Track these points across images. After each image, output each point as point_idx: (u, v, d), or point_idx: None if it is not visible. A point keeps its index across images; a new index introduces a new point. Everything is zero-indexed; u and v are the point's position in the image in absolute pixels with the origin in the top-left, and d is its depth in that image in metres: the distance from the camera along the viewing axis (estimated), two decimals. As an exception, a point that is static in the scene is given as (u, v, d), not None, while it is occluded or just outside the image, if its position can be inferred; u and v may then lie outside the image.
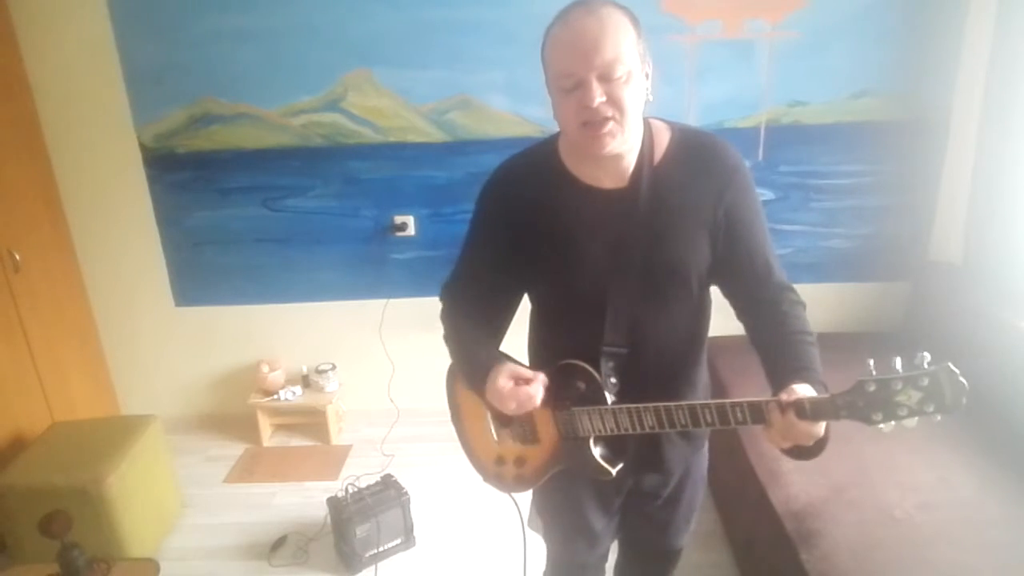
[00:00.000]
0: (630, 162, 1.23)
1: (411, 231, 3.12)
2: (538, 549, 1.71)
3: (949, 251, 2.93)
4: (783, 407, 1.10)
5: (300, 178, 3.08)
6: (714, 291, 1.36)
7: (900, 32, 2.76)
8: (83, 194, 3.11)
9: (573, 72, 1.11)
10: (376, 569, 2.45)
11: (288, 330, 3.33)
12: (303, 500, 2.85)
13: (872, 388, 1.04)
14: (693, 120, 2.88)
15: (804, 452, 1.15)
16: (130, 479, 2.42)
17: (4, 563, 2.32)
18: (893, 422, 1.05)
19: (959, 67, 2.78)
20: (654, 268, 1.25)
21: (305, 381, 3.31)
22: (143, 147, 3.03)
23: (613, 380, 1.29)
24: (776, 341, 1.25)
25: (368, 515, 2.41)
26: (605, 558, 1.71)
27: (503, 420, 1.41)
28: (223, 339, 3.35)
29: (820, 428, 1.11)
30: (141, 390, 3.42)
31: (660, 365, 1.33)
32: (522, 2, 2.75)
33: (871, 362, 1.06)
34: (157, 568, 2.03)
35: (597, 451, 1.33)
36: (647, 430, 1.24)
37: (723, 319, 1.39)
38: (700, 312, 1.35)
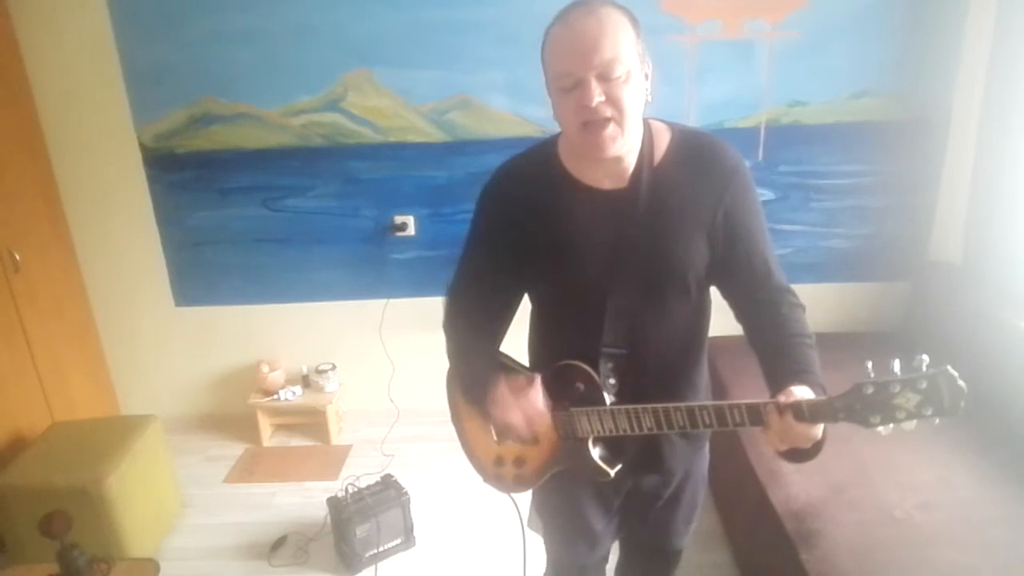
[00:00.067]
0: (630, 163, 1.22)
1: (411, 231, 3.12)
2: (538, 549, 1.71)
3: (949, 251, 2.93)
4: (781, 409, 1.09)
5: (300, 178, 3.08)
6: (714, 292, 1.36)
7: (900, 32, 2.76)
8: (83, 194, 3.11)
9: (572, 72, 1.11)
10: (376, 569, 2.45)
11: (288, 330, 3.33)
12: (303, 500, 2.85)
13: (870, 391, 1.04)
14: (693, 120, 2.88)
15: (800, 455, 1.15)
16: (130, 479, 2.42)
17: (4, 563, 2.32)
18: (891, 425, 1.05)
19: (959, 67, 2.78)
20: (653, 269, 1.25)
21: (305, 381, 3.31)
22: (143, 147, 3.04)
23: (612, 381, 1.29)
24: (775, 343, 1.25)
25: (368, 515, 2.41)
26: (605, 559, 1.71)
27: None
28: (223, 339, 3.35)
29: (818, 431, 1.11)
30: (141, 390, 3.42)
31: (659, 366, 1.33)
32: (522, 2, 2.75)
33: (869, 364, 1.05)
34: (157, 568, 2.03)
35: (596, 452, 1.33)
36: (645, 431, 1.24)
37: (723, 319, 1.39)
38: (700, 313, 1.35)
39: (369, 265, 3.19)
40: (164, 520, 2.68)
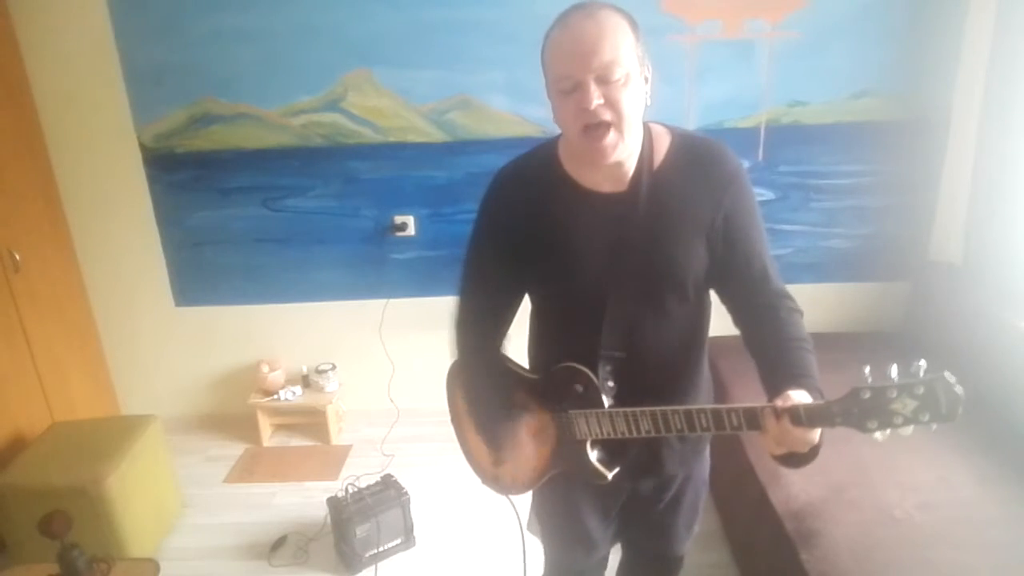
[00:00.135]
0: (630, 167, 1.22)
1: (411, 231, 3.12)
2: (538, 550, 1.71)
3: (949, 251, 2.93)
4: (778, 413, 1.09)
5: (300, 178, 3.08)
6: (713, 295, 1.36)
7: (900, 32, 2.76)
8: (83, 194, 3.11)
9: (571, 74, 1.11)
10: (376, 569, 2.45)
11: (288, 330, 3.33)
12: (303, 500, 2.86)
13: (867, 396, 1.04)
14: (693, 120, 2.88)
15: (797, 459, 1.15)
16: (130, 479, 2.42)
17: (4, 563, 2.32)
18: (888, 430, 1.05)
19: (959, 67, 2.78)
20: (652, 272, 1.25)
21: (305, 381, 3.31)
22: (143, 147, 3.04)
23: (611, 383, 1.29)
24: (772, 347, 1.24)
25: (368, 515, 2.42)
26: (604, 563, 1.71)
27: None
28: (223, 339, 3.35)
29: (815, 435, 1.11)
30: (141, 390, 3.42)
31: (658, 369, 1.33)
32: (522, 2, 2.75)
33: (867, 369, 1.05)
34: (157, 568, 2.03)
35: (594, 454, 1.33)
36: (643, 434, 1.24)
37: (725, 320, 1.39)
38: (699, 317, 1.35)
39: (369, 265, 3.19)
40: (164, 520, 2.69)
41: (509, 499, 1.57)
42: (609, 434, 1.28)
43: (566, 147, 1.27)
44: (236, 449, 3.26)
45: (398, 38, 2.85)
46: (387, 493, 2.50)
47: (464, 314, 1.43)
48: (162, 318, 3.31)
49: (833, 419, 1.07)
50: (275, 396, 3.22)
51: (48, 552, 1.85)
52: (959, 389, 0.99)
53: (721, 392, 2.49)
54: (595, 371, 1.28)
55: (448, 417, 1.56)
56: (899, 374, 1.04)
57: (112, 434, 2.56)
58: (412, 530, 2.54)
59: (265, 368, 3.25)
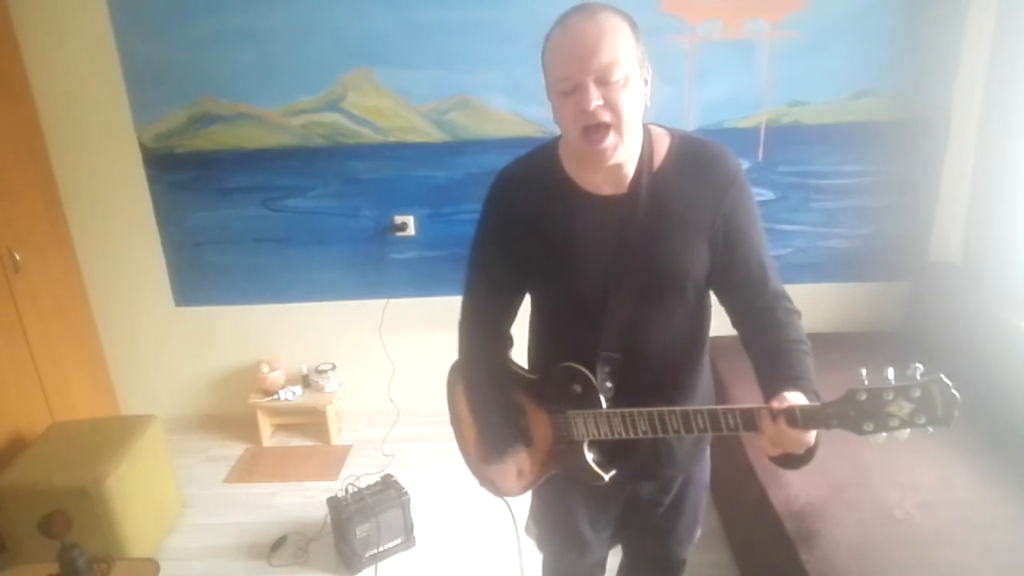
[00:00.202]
0: (630, 169, 1.22)
1: (411, 231, 3.12)
2: (536, 550, 1.71)
3: (949, 251, 2.93)
4: (774, 414, 1.10)
5: (300, 178, 3.08)
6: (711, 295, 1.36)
7: (900, 32, 2.75)
8: (83, 194, 3.11)
9: (570, 76, 1.11)
10: (376, 569, 2.45)
11: (288, 330, 3.33)
12: (303, 500, 2.86)
13: (863, 398, 1.04)
14: (693, 120, 2.88)
15: (793, 461, 1.15)
16: (130, 479, 2.42)
17: (4, 563, 2.32)
18: (884, 433, 1.05)
19: (959, 67, 2.78)
20: (652, 274, 1.25)
21: (305, 381, 3.31)
22: (143, 147, 3.04)
23: (609, 384, 1.29)
24: (770, 348, 1.25)
25: (368, 515, 2.42)
26: (601, 567, 1.71)
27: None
28: (223, 339, 3.36)
29: (811, 436, 1.11)
30: (141, 390, 3.43)
31: (657, 370, 1.33)
32: (522, 2, 2.75)
33: (863, 371, 1.05)
34: (157, 568, 2.03)
35: (590, 456, 1.33)
36: (640, 435, 1.24)
37: (726, 320, 1.39)
38: (698, 318, 1.35)
39: (369, 265, 3.19)
40: (164, 520, 2.69)
41: (505, 502, 1.57)
42: (606, 435, 1.28)
43: (566, 149, 1.27)
44: (236, 449, 3.26)
45: (398, 38, 2.85)
46: (387, 493, 2.50)
47: (467, 313, 1.45)
48: (162, 318, 3.31)
49: (829, 421, 1.07)
50: (275, 396, 3.22)
51: (48, 552, 1.85)
52: (955, 391, 0.99)
53: (721, 392, 2.49)
54: (594, 372, 1.28)
55: (448, 418, 1.56)
56: (896, 376, 1.04)
57: (112, 434, 2.56)
58: (412, 530, 2.54)
59: (265, 368, 3.25)
